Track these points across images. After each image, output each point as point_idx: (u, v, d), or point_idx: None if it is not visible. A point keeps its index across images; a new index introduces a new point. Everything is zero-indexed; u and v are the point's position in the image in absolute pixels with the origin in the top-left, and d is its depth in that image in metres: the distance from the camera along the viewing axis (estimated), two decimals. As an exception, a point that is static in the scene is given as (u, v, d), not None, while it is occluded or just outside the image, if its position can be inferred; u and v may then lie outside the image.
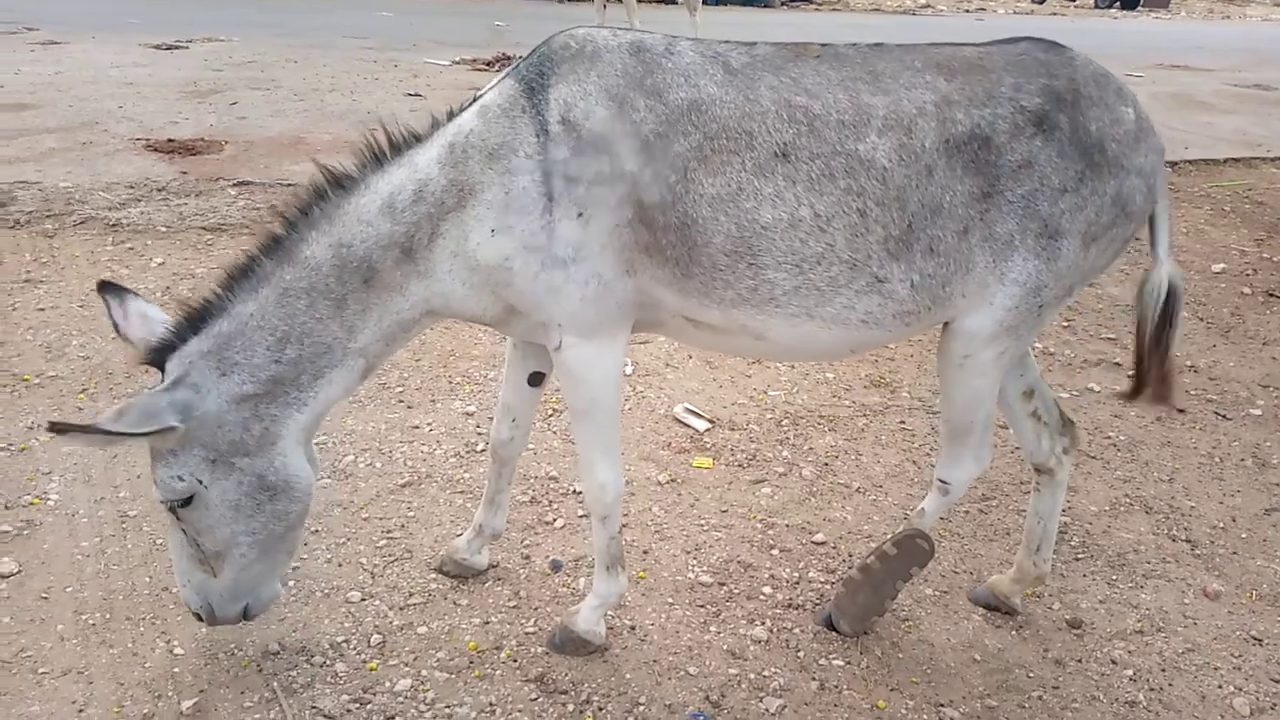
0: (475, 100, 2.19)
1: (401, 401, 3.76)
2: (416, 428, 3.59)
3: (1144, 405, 2.56)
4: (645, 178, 2.08)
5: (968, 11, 28.72)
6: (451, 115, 2.21)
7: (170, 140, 6.33)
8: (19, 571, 2.70)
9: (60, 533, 2.87)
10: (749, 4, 23.58)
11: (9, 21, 11.01)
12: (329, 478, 3.23)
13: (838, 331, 2.22)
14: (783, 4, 26.99)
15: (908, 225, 2.13)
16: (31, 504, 2.98)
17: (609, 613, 2.59)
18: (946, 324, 2.33)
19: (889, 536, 2.67)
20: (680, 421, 3.74)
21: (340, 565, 2.82)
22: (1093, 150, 2.16)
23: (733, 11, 20.67)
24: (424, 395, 3.82)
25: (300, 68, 8.99)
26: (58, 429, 1.96)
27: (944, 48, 2.29)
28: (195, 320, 2.15)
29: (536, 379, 2.63)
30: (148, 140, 6.37)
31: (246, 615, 2.35)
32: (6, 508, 2.95)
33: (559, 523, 3.09)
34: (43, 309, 4.17)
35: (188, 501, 2.15)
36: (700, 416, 3.75)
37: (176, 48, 9.90)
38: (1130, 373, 2.60)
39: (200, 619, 2.34)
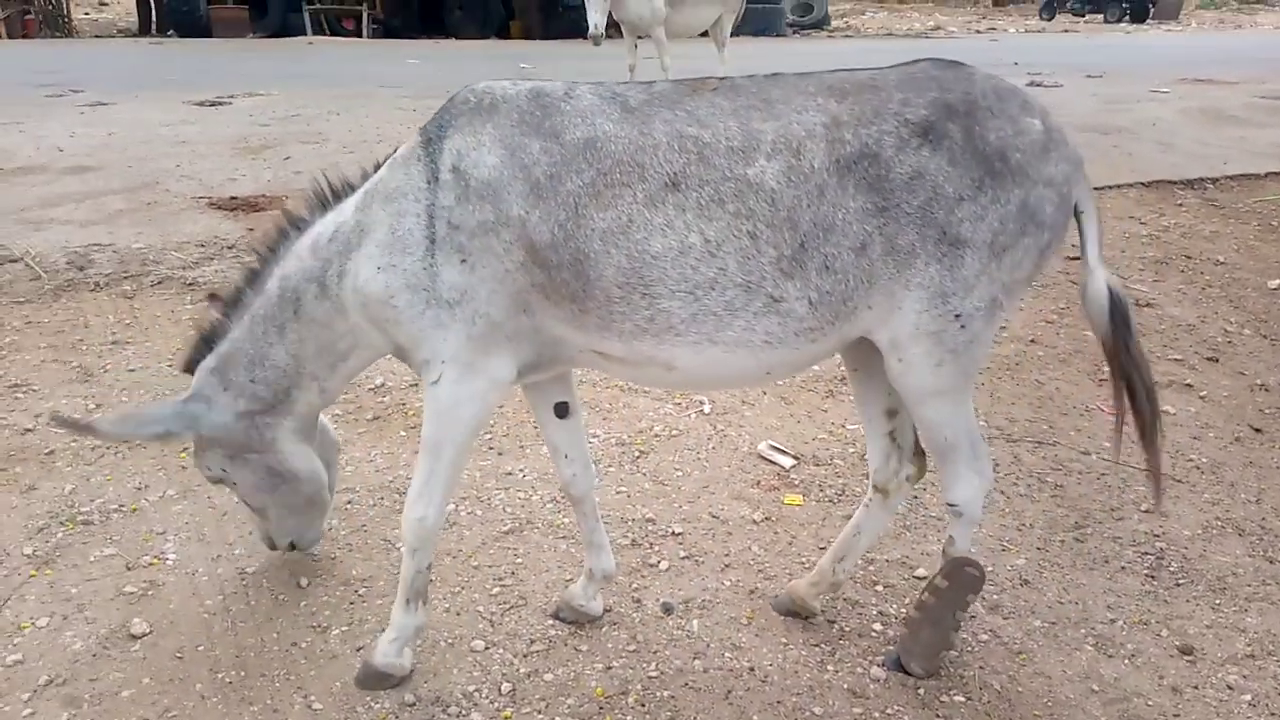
0: (394, 152, 2.40)
1: (492, 448, 3.83)
2: (510, 474, 3.66)
3: (1139, 448, 2.54)
4: (534, 219, 2.17)
5: (979, 32, 28.92)
6: (377, 167, 2.43)
7: (233, 197, 6.49)
8: (150, 632, 2.77)
9: (184, 592, 2.95)
10: (761, 34, 23.86)
11: (55, 85, 11.30)
12: (432, 527, 3.30)
13: (744, 355, 2.26)
14: (795, 33, 27.28)
15: (800, 244, 2.16)
16: (152, 564, 3.07)
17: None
18: (871, 343, 2.35)
19: (938, 571, 2.70)
20: (765, 459, 3.80)
21: (459, 614, 2.89)
22: (993, 159, 2.18)
23: (744, 43, 20.88)
24: (512, 441, 3.89)
25: (344, 120, 9.18)
26: (59, 421, 2.56)
27: (841, 72, 2.34)
28: (210, 339, 2.60)
29: (562, 409, 2.71)
30: (210, 198, 6.53)
31: (294, 547, 2.94)
32: (129, 569, 3.04)
33: (663, 565, 3.14)
34: (133, 369, 4.28)
35: (219, 480, 2.72)
36: (785, 453, 3.81)
37: (220, 104, 10.12)
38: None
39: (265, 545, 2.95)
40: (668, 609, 2.92)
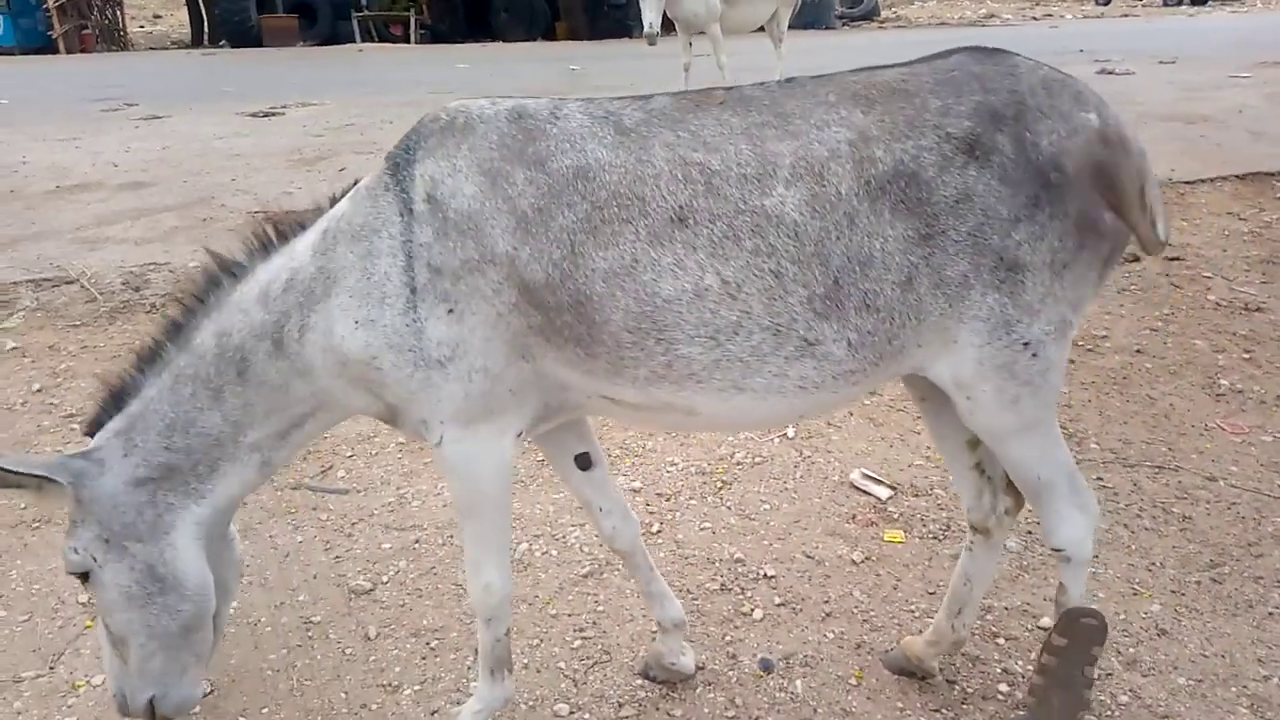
0: (355, 184, 2.10)
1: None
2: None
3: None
4: (524, 256, 1.91)
5: (1035, 19, 28.18)
6: (334, 201, 2.12)
7: (289, 212, 6.35)
8: (212, 692, 2.58)
9: (245, 645, 2.76)
10: (810, 27, 23.43)
11: (110, 99, 11.39)
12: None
13: (775, 401, 2.01)
14: (844, 24, 26.80)
15: (834, 281, 1.90)
16: (212, 613, 2.88)
17: None
18: (927, 380, 2.10)
19: (1053, 628, 2.39)
20: (859, 489, 3.51)
21: (539, 671, 2.66)
22: (1047, 169, 1.91)
23: (792, 37, 20.48)
24: (585, 471, 3.65)
25: (397, 128, 9.05)
26: None
27: (863, 73, 2.05)
28: (119, 398, 2.16)
29: (584, 460, 2.45)
30: (265, 213, 6.41)
31: (155, 712, 2.23)
32: (189, 618, 2.86)
33: (757, 614, 2.88)
34: (190, 396, 4.12)
35: (86, 577, 2.15)
36: (880, 482, 3.52)
37: (273, 114, 10.08)
38: None
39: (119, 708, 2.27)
40: (767, 666, 2.66)
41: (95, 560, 2.12)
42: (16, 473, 2.03)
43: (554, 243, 1.91)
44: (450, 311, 1.93)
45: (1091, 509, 2.25)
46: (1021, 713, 2.46)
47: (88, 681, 2.61)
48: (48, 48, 22.03)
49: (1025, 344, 1.98)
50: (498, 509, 2.17)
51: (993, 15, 29.37)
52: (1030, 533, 3.24)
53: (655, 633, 2.72)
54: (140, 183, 7.22)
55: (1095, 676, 2.39)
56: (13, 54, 21.21)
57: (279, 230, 2.14)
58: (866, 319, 1.94)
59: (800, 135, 1.94)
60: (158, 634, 2.15)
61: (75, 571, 2.15)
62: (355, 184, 2.10)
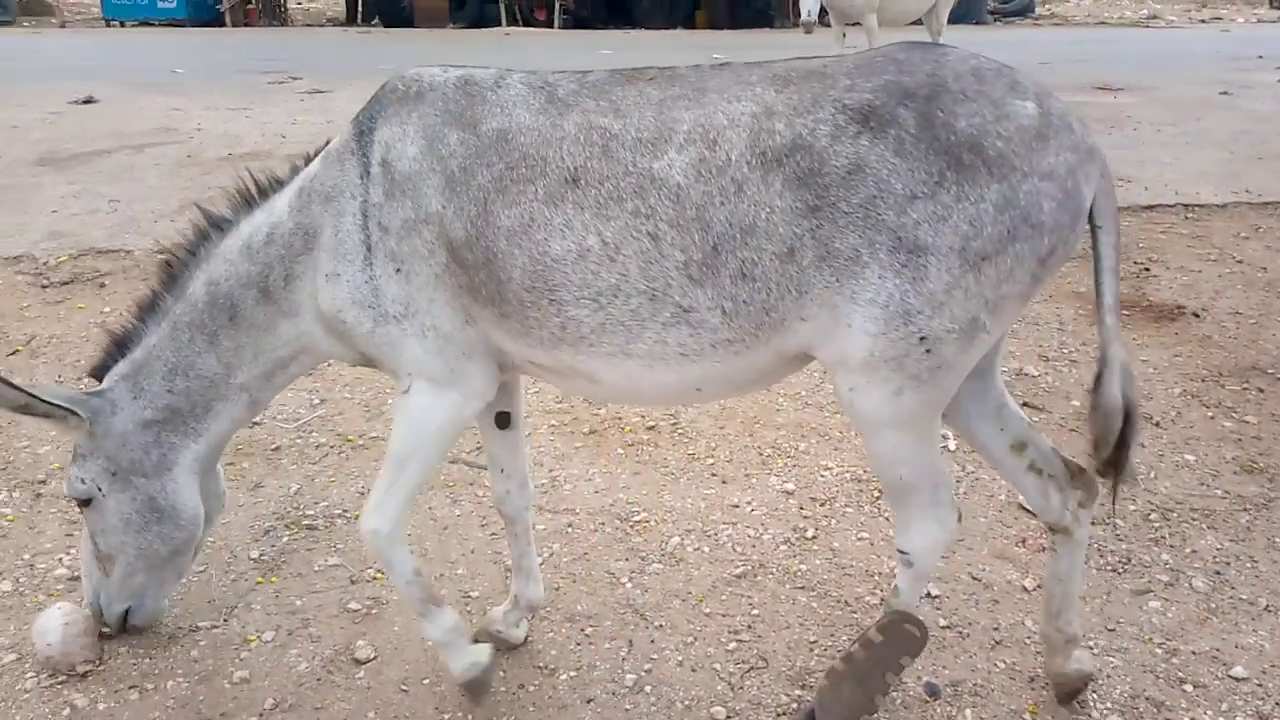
0: (326, 145, 2.23)
1: (714, 475, 3.55)
2: (736, 506, 3.36)
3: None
4: (449, 215, 2.02)
5: (1203, 22, 26.43)
6: (308, 160, 2.26)
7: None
8: (375, 658, 2.64)
9: (407, 614, 2.79)
10: (960, 21, 22.59)
11: (276, 72, 11.90)
12: (658, 562, 3.05)
13: (661, 369, 2.04)
14: (996, 20, 25.76)
15: (712, 247, 1.90)
16: (375, 579, 2.95)
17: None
18: (821, 363, 2.07)
19: (875, 623, 2.31)
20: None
21: (694, 670, 2.61)
22: (959, 149, 1.83)
23: (947, 31, 19.77)
24: (736, 468, 3.59)
25: (544, 110, 9.15)
26: None
27: (797, 60, 2.06)
28: (122, 345, 2.38)
29: (504, 419, 2.50)
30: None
31: (128, 621, 2.55)
32: (353, 582, 2.94)
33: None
34: (352, 364, 4.25)
35: (88, 503, 2.39)
36: (1051, 507, 3.32)
37: (425, 93, 10.33)
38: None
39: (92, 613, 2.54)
40: (933, 691, 2.54)
41: (100, 490, 2.37)
42: (48, 402, 2.27)
43: (472, 201, 2.00)
44: (398, 270, 2.06)
45: (949, 525, 2.21)
46: (809, 698, 2.38)
47: (259, 636, 2.70)
48: (215, 21, 23.26)
49: (922, 338, 1.90)
50: (424, 468, 2.25)
51: (1155, 16, 27.67)
52: (1219, 573, 3.01)
53: (813, 643, 2.64)
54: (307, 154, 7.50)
55: (893, 685, 2.33)
56: (184, 25, 22.49)
57: (259, 187, 2.30)
58: (742, 288, 1.92)
59: (706, 106, 1.96)
60: (146, 556, 2.43)
61: (79, 498, 2.39)
62: (326, 144, 2.24)
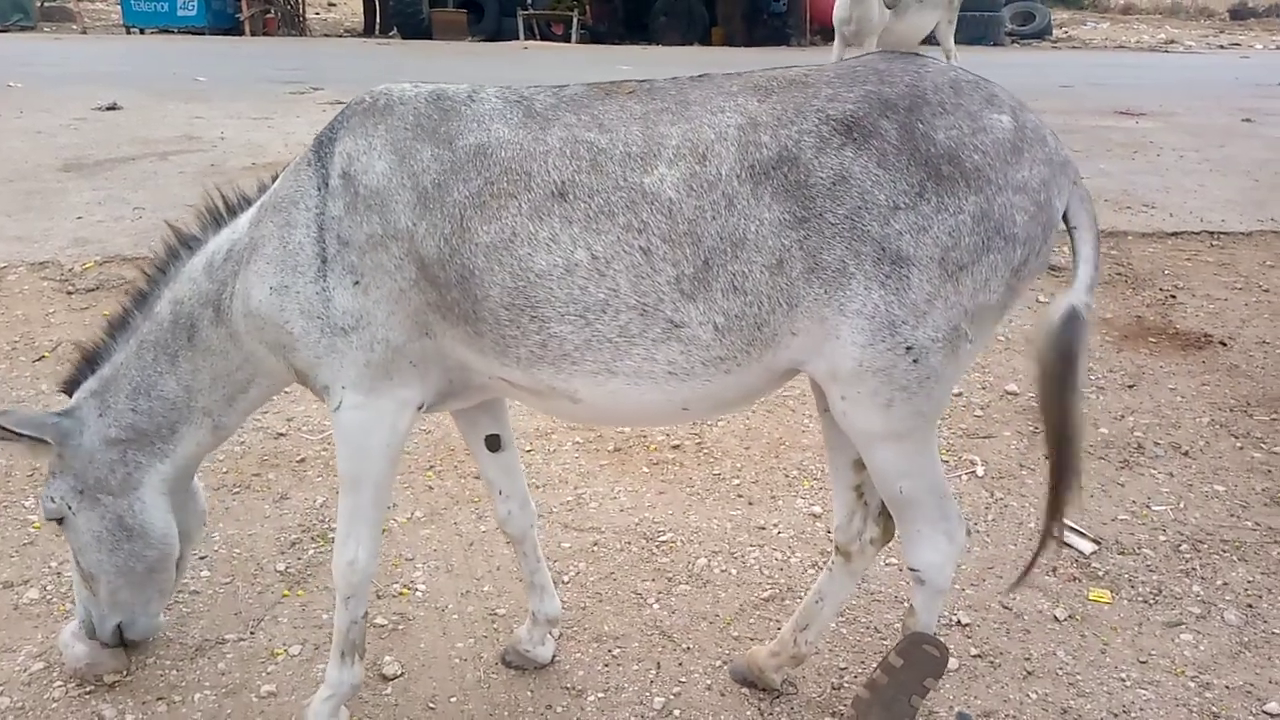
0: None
1: (741, 496, 3.53)
2: (763, 529, 3.34)
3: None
4: (421, 231, 1.97)
5: (1221, 48, 26.41)
6: (274, 178, 2.22)
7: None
8: (402, 674, 2.62)
9: (434, 630, 2.79)
10: (977, 43, 22.63)
11: (296, 82, 11.97)
12: (685, 583, 3.04)
13: (649, 388, 2.00)
14: (1014, 42, 25.78)
15: (704, 262, 1.89)
16: (401, 594, 2.94)
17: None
18: (810, 379, 2.07)
19: (894, 647, 2.31)
20: (1059, 540, 3.30)
21: (723, 695, 2.59)
22: (939, 161, 1.86)
23: (961, 53, 19.82)
24: (762, 490, 3.57)
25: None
26: None
27: (776, 70, 2.05)
28: (93, 360, 2.38)
29: (494, 442, 2.48)
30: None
31: (123, 638, 2.51)
32: (379, 597, 2.92)
33: (952, 663, 2.71)
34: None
35: (60, 522, 2.38)
36: (1082, 534, 3.30)
37: (446, 105, 10.37)
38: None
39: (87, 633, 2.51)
40: (966, 721, 2.52)
41: (70, 509, 2.36)
42: (12, 431, 2.28)
43: (446, 218, 1.96)
44: (356, 284, 2.02)
45: (958, 539, 2.19)
46: None
47: (285, 650, 2.69)
48: (234, 29, 23.44)
49: (908, 348, 1.91)
50: (379, 485, 2.20)
51: (1173, 41, 27.65)
52: (1251, 606, 2.98)
53: (844, 670, 2.62)
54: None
55: (919, 708, 2.32)
56: (203, 33, 22.66)
57: (228, 204, 2.29)
58: (734, 301, 1.91)
59: (692, 120, 1.95)
60: (124, 573, 2.40)
61: (51, 518, 2.38)
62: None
